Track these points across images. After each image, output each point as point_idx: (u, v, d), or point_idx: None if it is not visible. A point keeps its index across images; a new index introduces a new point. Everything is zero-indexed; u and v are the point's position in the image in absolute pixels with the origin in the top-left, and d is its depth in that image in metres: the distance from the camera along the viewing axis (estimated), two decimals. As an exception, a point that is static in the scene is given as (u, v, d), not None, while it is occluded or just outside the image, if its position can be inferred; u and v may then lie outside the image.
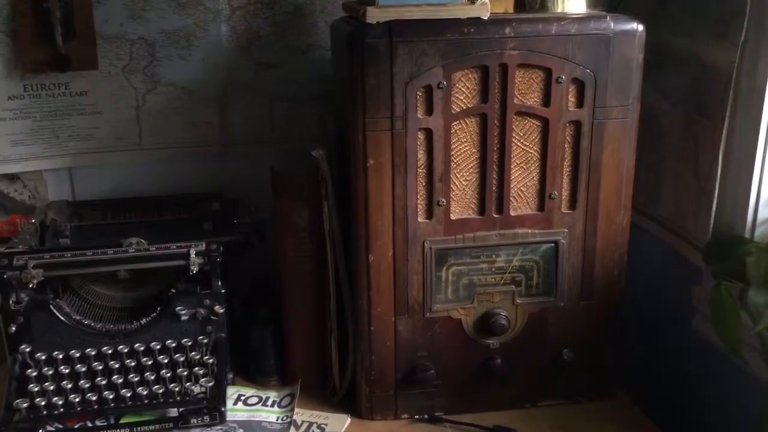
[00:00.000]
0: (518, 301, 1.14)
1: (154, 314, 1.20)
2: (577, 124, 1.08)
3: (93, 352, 1.17)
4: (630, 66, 1.06)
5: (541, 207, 1.11)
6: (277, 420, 1.16)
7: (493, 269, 1.13)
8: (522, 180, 1.10)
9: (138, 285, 1.25)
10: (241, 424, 1.15)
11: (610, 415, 1.18)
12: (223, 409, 1.14)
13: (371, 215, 1.07)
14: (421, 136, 1.06)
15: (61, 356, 1.16)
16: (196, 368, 1.18)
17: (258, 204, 1.33)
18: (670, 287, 1.26)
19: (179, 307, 1.20)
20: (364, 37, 1.01)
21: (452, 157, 1.07)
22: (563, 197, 1.11)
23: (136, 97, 1.36)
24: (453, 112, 1.05)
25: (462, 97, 1.05)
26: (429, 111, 1.05)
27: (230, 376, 1.24)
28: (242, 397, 1.21)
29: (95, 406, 1.13)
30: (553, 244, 1.12)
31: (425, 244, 1.10)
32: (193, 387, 1.16)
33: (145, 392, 1.14)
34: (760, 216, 1.09)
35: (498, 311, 1.13)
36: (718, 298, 1.05)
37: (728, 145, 1.10)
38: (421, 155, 1.07)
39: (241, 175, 1.40)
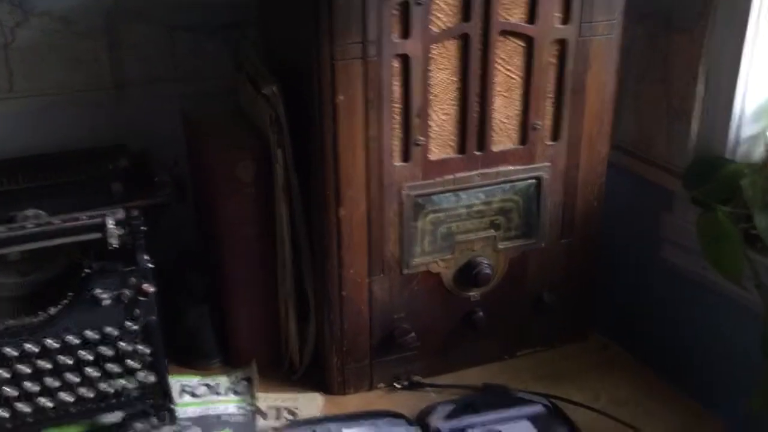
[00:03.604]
0: (499, 246, 1.03)
1: (66, 301, 0.97)
2: (563, 44, 0.96)
3: (-7, 357, 0.93)
4: (618, -25, 0.95)
5: (523, 140, 0.99)
6: (238, 410, 0.98)
7: (472, 213, 1.00)
8: (504, 110, 0.97)
9: (34, 267, 1.01)
10: (196, 421, 0.97)
11: (592, 358, 1.11)
12: (172, 406, 0.95)
13: (341, 161, 0.91)
14: (396, 64, 0.90)
15: (-50, 368, 0.91)
16: (128, 360, 0.97)
17: (167, 157, 1.11)
18: (635, 216, 1.19)
19: (98, 290, 0.97)
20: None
21: (430, 89, 0.92)
22: (546, 127, 0.99)
23: (3, 33, 1.08)
24: (432, 33, 0.90)
25: (442, 15, 0.90)
26: (405, 33, 0.89)
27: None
28: (187, 388, 1.03)
29: (8, 425, 0.90)
30: (535, 180, 1.01)
31: (402, 191, 0.95)
32: (128, 384, 0.95)
33: (71, 398, 0.92)
34: (744, 134, 1.03)
35: (480, 260, 1.01)
36: (713, 224, 0.99)
37: (707, 60, 1.03)
38: (397, 87, 0.91)
39: (140, 123, 1.17)
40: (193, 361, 1.08)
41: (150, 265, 1.00)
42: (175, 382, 1.03)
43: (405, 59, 0.89)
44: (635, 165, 1.17)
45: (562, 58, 0.96)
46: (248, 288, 1.05)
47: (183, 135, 1.14)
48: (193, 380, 1.04)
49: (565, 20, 0.95)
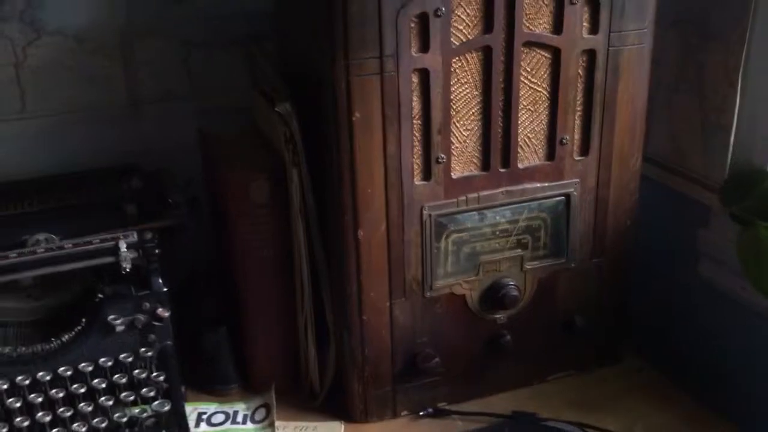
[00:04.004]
0: (527, 266, 0.98)
1: (80, 327, 0.95)
2: (591, 54, 0.91)
3: (5, 386, 0.90)
4: (648, -18, 0.90)
5: (550, 155, 0.94)
6: (255, 440, 0.95)
7: (498, 232, 0.96)
8: (529, 125, 0.92)
9: (47, 292, 0.99)
10: (213, 451, 0.93)
11: (627, 382, 1.06)
12: (187, 436, 0.92)
13: (359, 181, 0.87)
14: (415, 79, 0.86)
15: (-40, 398, 0.88)
16: (144, 390, 0.94)
17: (182, 176, 1.08)
18: (670, 231, 1.14)
19: (112, 316, 0.94)
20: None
21: (452, 104, 0.88)
22: (575, 142, 0.95)
23: (14, 52, 1.06)
24: (453, 46, 0.85)
25: (462, 27, 0.86)
26: (425, 47, 0.84)
27: (182, 389, 1.00)
28: (203, 416, 0.99)
29: (19, 457, 0.87)
30: (563, 198, 0.96)
31: (423, 211, 0.91)
32: (142, 414, 0.92)
33: (83, 429, 0.89)
34: (785, 147, 0.98)
35: (506, 281, 0.97)
36: (753, 241, 0.93)
37: (745, 70, 0.98)
38: (416, 103, 0.87)
39: (155, 142, 1.15)
40: (211, 386, 1.05)
41: (164, 289, 0.97)
42: (192, 409, 0.99)
43: (424, 74, 0.85)
44: (668, 178, 1.11)
45: (590, 69, 0.92)
46: (266, 311, 1.01)
47: (199, 153, 1.11)
48: (210, 407, 1.01)
49: (593, 30, 0.90)
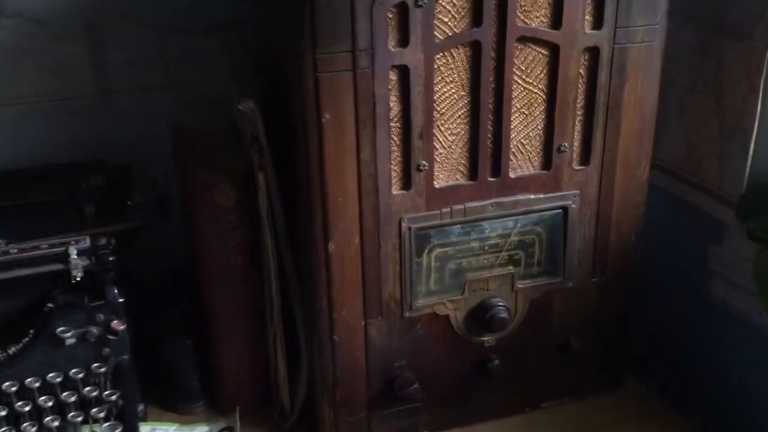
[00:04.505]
0: (518, 285, 0.89)
1: (26, 339, 0.87)
2: (594, 52, 0.81)
3: (-59, 404, 0.83)
4: (660, -29, 0.80)
5: (547, 164, 0.85)
6: (215, 468, 0.87)
7: (486, 248, 0.86)
8: (523, 130, 0.83)
9: (-8, 299, 0.91)
10: (166, 479, 0.85)
11: (629, 410, 0.97)
12: (138, 463, 0.84)
13: (329, 189, 0.78)
14: (393, 76, 0.76)
15: None
16: (94, 410, 0.86)
17: (155, 173, 1.00)
18: (680, 247, 1.04)
19: (61, 328, 0.87)
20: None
21: (435, 105, 0.79)
22: (575, 149, 0.85)
23: (-30, 36, 0.98)
24: (436, 40, 0.76)
25: (447, 20, 0.76)
26: (404, 41, 0.75)
27: (141, 408, 0.93)
28: (161, 439, 0.91)
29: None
30: (560, 211, 0.87)
31: (402, 223, 0.82)
32: (91, 436, 0.84)
33: (23, 453, 0.82)
34: (811, 159, 0.87)
35: (495, 301, 0.88)
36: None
37: (768, 71, 0.87)
38: (395, 103, 0.77)
39: (126, 135, 1.06)
40: (175, 404, 0.97)
41: (120, 300, 0.89)
42: (149, 430, 0.91)
43: (403, 71, 0.76)
44: (679, 188, 1.01)
45: (593, 69, 0.82)
46: (234, 323, 0.93)
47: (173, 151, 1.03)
48: (171, 428, 0.93)
49: (597, 25, 0.80)
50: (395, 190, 0.80)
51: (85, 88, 1.05)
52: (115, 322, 0.88)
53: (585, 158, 0.86)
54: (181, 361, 0.96)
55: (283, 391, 0.93)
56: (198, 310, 0.96)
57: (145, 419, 0.93)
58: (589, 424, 0.95)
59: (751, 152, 0.90)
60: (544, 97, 0.82)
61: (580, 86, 0.82)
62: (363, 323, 0.85)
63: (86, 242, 0.87)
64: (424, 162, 0.80)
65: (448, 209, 0.83)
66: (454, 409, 0.92)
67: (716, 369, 1.01)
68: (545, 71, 0.81)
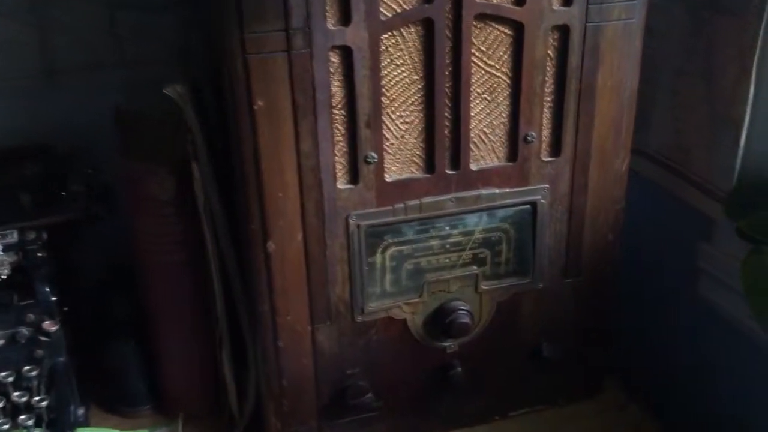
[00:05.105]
0: (483, 287, 0.81)
1: (-49, 341, 0.81)
2: (564, 31, 0.73)
3: None
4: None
5: (512, 156, 0.77)
6: (152, 480, 0.81)
7: (448, 246, 0.79)
8: (485, 118, 0.75)
9: None
10: (99, 493, 0.79)
11: (606, 420, 0.90)
12: (69, 475, 0.78)
13: (267, 183, 0.71)
14: (335, 58, 0.69)
15: None
16: (22, 416, 0.80)
17: (103, 158, 0.93)
18: (665, 244, 0.96)
19: (-13, 328, 0.81)
20: None
21: (384, 90, 0.71)
22: (543, 139, 0.77)
23: None
24: (382, 18, 0.68)
25: (396, -5, 0.68)
26: (345, 18, 0.67)
27: (81, 412, 0.87)
28: (98, 447, 0.85)
29: None
30: (528, 207, 0.79)
31: (350, 221, 0.74)
32: (20, 446, 0.79)
33: (-58, 465, 0.76)
34: (809, 151, 0.79)
35: (456, 304, 0.81)
36: (761, 268, 0.76)
37: (763, 51, 0.78)
38: (338, 89, 0.70)
39: (73, 118, 0.99)
40: (119, 407, 0.91)
41: (53, 298, 0.82)
42: (88, 436, 0.86)
43: (346, 52, 0.68)
44: (667, 180, 0.93)
45: (563, 50, 0.74)
46: (178, 324, 0.87)
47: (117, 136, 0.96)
48: (110, 434, 0.87)
49: (567, 1, 0.72)
50: (341, 185, 0.73)
51: (30, 68, 0.98)
52: (47, 322, 0.82)
53: (555, 149, 0.78)
54: (125, 363, 0.90)
55: (231, 398, 0.87)
56: (142, 309, 0.90)
57: (86, 423, 0.87)
58: (562, 434, 0.88)
59: (742, 144, 0.82)
60: (508, 81, 0.74)
61: (548, 69, 0.74)
62: (310, 328, 0.78)
63: (14, 237, 0.80)
64: (372, 153, 0.72)
65: (402, 205, 0.75)
66: (414, 419, 0.85)
67: (702, 375, 0.93)
68: (509, 53, 0.73)
